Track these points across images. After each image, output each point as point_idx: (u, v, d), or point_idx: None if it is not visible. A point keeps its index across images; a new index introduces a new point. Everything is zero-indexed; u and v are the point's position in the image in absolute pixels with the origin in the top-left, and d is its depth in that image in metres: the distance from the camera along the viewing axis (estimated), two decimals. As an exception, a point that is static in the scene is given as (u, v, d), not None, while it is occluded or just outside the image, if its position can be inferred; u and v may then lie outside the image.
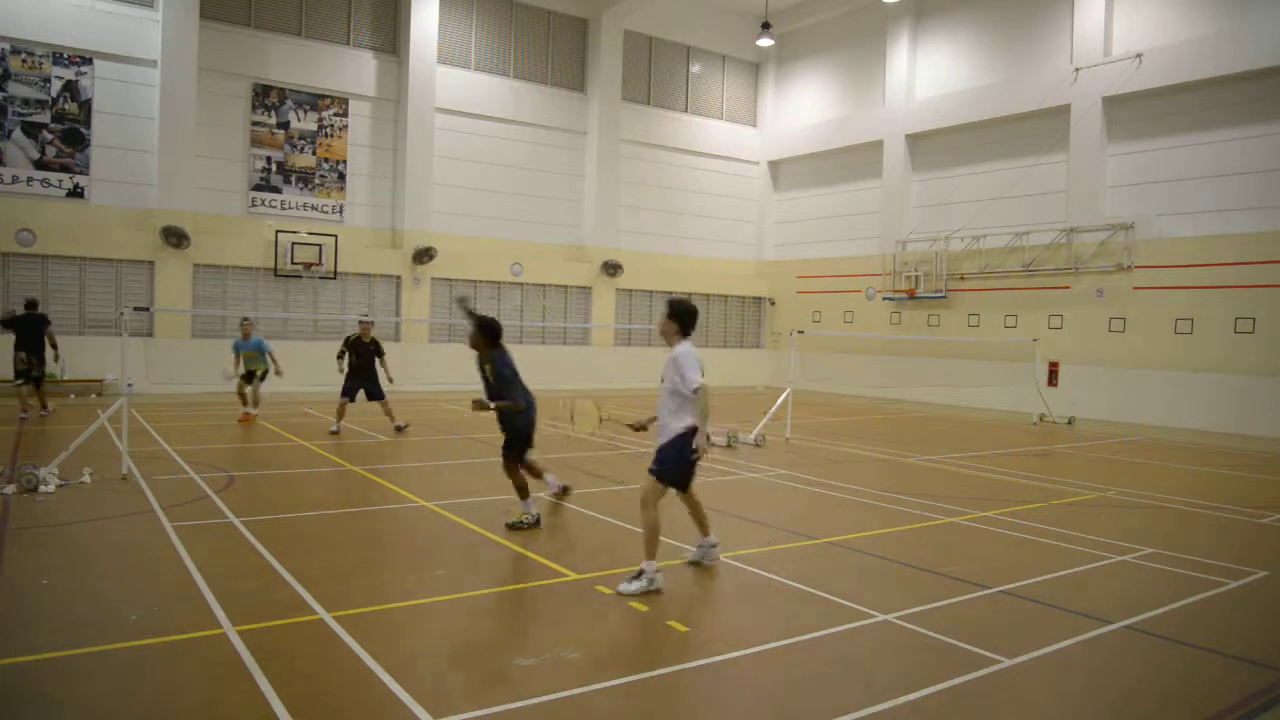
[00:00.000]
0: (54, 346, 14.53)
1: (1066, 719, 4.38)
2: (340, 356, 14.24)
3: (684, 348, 6.25)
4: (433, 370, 20.35)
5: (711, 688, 4.57)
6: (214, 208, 20.63)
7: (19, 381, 14.24)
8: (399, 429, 14.12)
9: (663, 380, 6.34)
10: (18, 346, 14.24)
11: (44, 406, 14.63)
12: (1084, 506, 9.72)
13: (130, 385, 9.88)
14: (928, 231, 23.96)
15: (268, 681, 4.33)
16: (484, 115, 24.09)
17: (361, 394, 14.18)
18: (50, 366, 14.79)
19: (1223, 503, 10.16)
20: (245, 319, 15.04)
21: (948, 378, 22.40)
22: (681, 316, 6.31)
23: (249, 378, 14.83)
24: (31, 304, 14.80)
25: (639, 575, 6.01)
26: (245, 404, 14.90)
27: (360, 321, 14.60)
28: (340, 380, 14.12)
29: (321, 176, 21.96)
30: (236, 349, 14.87)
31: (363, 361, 14.08)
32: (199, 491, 8.94)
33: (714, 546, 6.82)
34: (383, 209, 22.95)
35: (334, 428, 13.82)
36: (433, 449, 13.35)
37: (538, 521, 7.89)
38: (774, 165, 29.19)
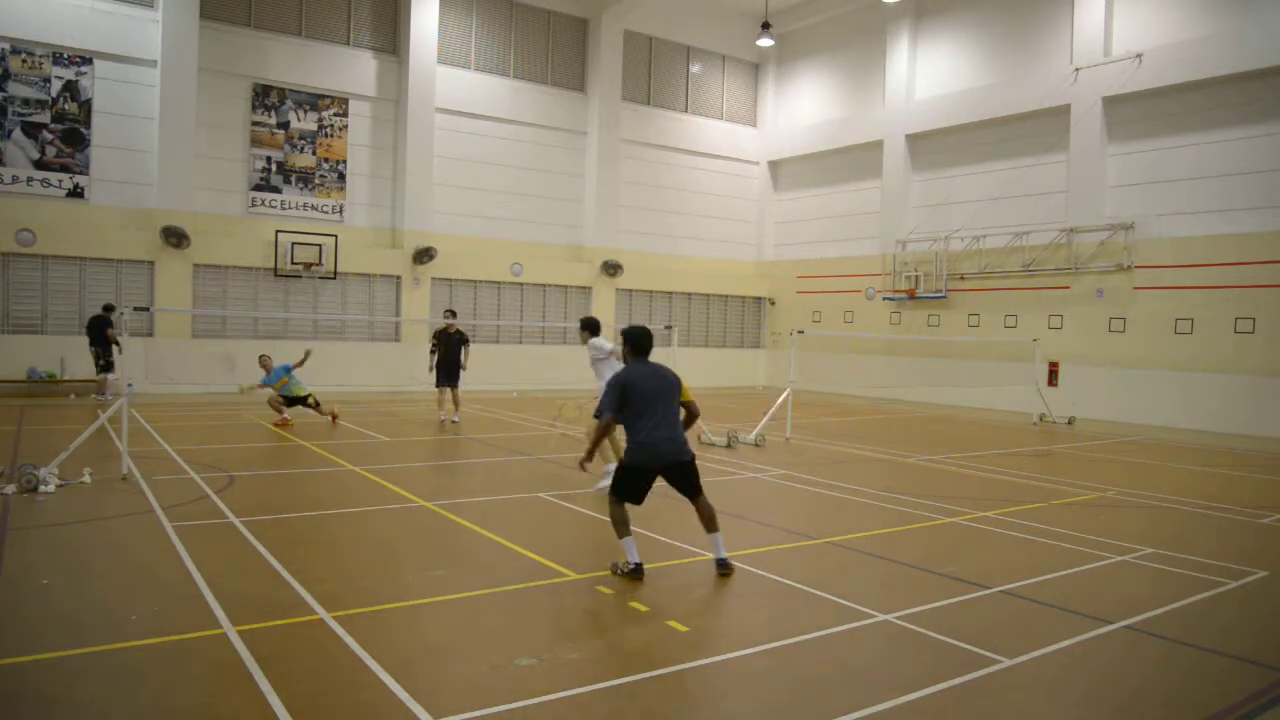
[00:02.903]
0: (114, 342, 16.69)
1: (1067, 719, 4.38)
2: (432, 352, 15.87)
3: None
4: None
5: (711, 688, 4.57)
6: (214, 208, 20.63)
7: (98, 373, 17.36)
8: (453, 421, 15.48)
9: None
10: (90, 343, 17.14)
11: (101, 391, 17.30)
12: (1084, 506, 9.72)
13: (130, 385, 9.88)
14: (928, 231, 23.96)
15: (268, 681, 4.32)
16: (484, 115, 24.08)
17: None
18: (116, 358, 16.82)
19: (1223, 503, 10.16)
20: (263, 356, 15.02)
21: (948, 378, 22.40)
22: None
23: (301, 401, 14.72)
24: (106, 308, 17.50)
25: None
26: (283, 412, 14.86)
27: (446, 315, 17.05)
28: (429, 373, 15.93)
29: (321, 176, 21.95)
30: (275, 379, 14.67)
31: (451, 354, 15.66)
32: (199, 491, 8.94)
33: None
34: (383, 209, 22.95)
35: (442, 417, 15.64)
36: (433, 449, 13.36)
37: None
38: (774, 165, 29.18)
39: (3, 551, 6.57)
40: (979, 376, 21.57)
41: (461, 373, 15.78)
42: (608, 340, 9.68)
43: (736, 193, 29.03)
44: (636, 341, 6.66)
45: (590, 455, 6.66)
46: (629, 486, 6.49)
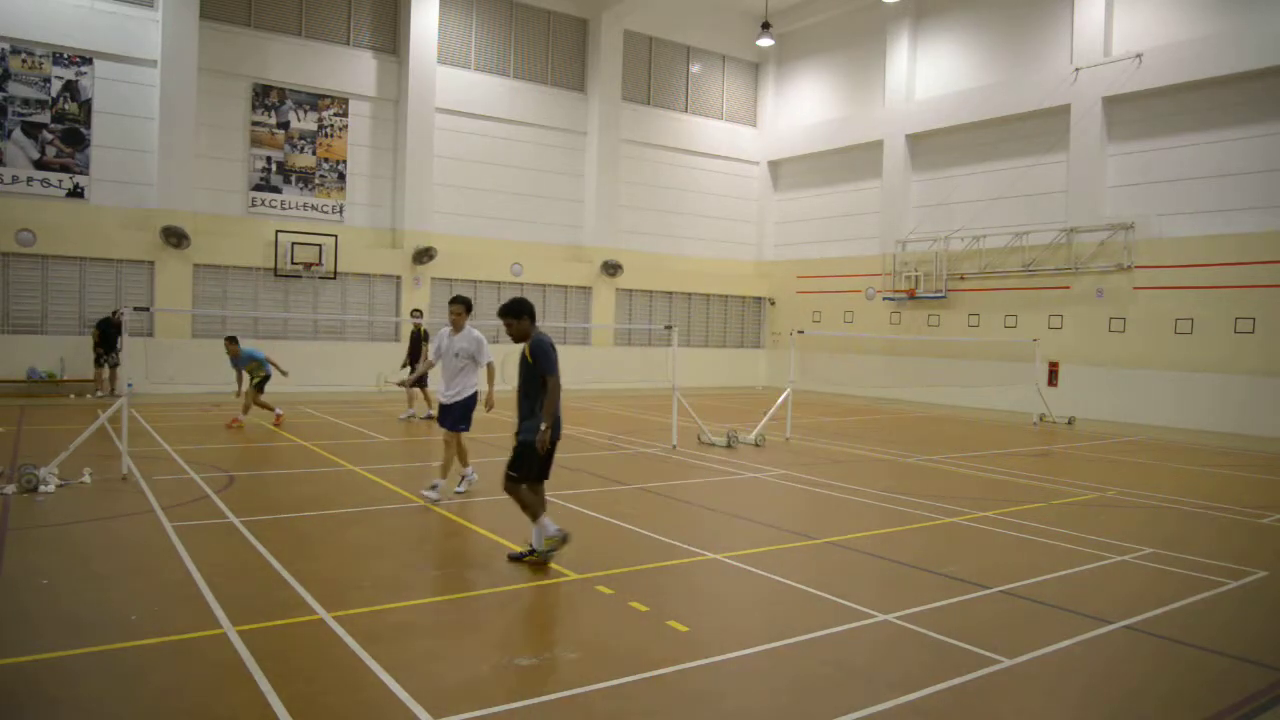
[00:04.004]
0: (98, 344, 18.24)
1: (1067, 719, 4.38)
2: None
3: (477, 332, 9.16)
4: (434, 370, 20.39)
5: (711, 688, 4.57)
6: (214, 208, 20.63)
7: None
8: (425, 418, 15.64)
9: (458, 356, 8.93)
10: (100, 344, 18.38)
11: (108, 388, 18.21)
12: (1084, 506, 9.72)
13: (130, 385, 9.88)
14: (928, 231, 23.96)
15: (268, 681, 4.33)
16: (484, 115, 24.09)
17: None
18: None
19: (1223, 503, 10.16)
20: (229, 339, 14.22)
21: (948, 378, 22.39)
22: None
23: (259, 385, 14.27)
24: (115, 315, 18.11)
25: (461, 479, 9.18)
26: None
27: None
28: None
29: (321, 176, 21.95)
30: (245, 361, 14.16)
31: (416, 352, 16.03)
32: (199, 491, 8.94)
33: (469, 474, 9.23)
34: (383, 209, 22.95)
35: (403, 415, 15.90)
36: (432, 449, 13.36)
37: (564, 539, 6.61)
38: (774, 165, 29.18)
39: (3, 551, 6.57)
40: (979, 376, 21.57)
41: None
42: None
43: (736, 193, 29.04)
44: (534, 312, 6.72)
45: (548, 423, 6.41)
46: (538, 463, 6.52)
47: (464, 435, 9.16)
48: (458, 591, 5.96)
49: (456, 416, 8.94)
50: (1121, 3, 20.15)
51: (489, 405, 9.04)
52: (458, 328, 8.99)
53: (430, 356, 9.34)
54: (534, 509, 6.52)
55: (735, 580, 6.47)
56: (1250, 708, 4.46)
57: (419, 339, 16.01)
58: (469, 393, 8.96)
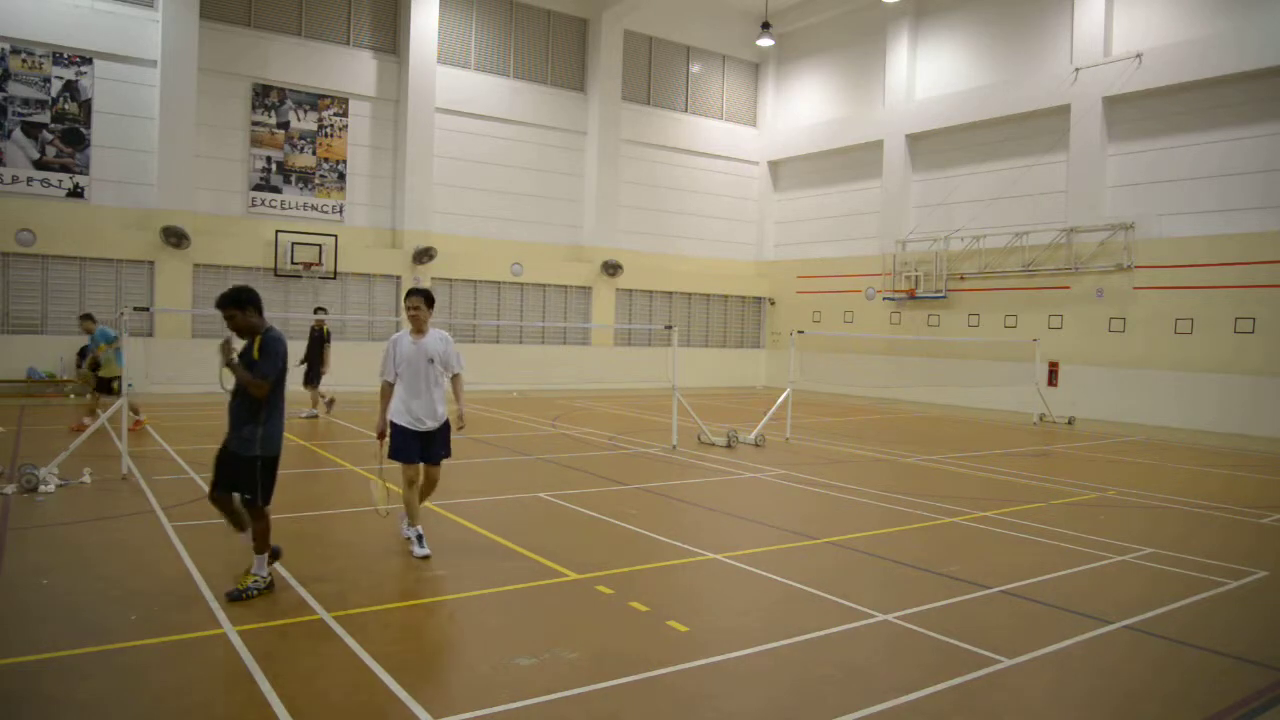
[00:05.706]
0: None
1: (1067, 719, 4.38)
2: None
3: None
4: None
5: (711, 688, 4.57)
6: (214, 208, 20.62)
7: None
8: (305, 417, 15.51)
9: (432, 362, 6.82)
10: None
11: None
12: (1084, 506, 9.72)
13: (130, 385, 9.88)
14: (928, 231, 23.95)
15: (268, 681, 4.33)
16: (484, 115, 24.09)
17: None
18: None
19: (1223, 503, 10.16)
20: (85, 317, 13.45)
21: (948, 378, 22.39)
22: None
23: (108, 386, 12.80)
24: None
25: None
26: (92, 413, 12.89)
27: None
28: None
29: (321, 176, 21.95)
30: (93, 346, 13.04)
31: (313, 352, 15.67)
32: (199, 491, 8.93)
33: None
34: (383, 209, 22.94)
35: (304, 414, 15.47)
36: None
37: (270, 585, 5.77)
38: (774, 165, 29.18)
39: (3, 551, 6.57)
40: (979, 376, 21.57)
41: (322, 372, 15.49)
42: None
43: (736, 193, 29.03)
44: (260, 302, 5.95)
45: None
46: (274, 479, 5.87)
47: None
48: (458, 591, 5.96)
49: (443, 442, 6.98)
50: (1121, 3, 20.15)
51: (461, 424, 7.05)
52: (422, 329, 6.90)
53: (385, 373, 6.90)
54: (268, 538, 5.75)
55: (735, 580, 6.47)
56: (1250, 708, 4.46)
57: (321, 339, 15.57)
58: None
